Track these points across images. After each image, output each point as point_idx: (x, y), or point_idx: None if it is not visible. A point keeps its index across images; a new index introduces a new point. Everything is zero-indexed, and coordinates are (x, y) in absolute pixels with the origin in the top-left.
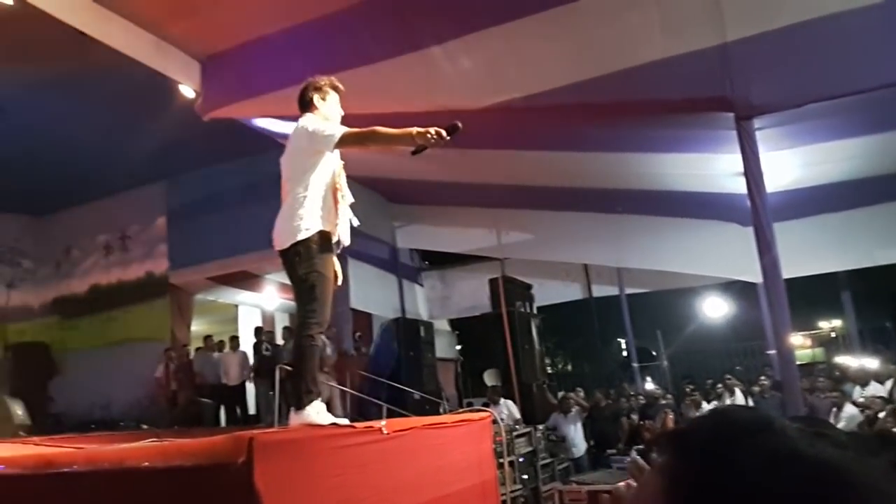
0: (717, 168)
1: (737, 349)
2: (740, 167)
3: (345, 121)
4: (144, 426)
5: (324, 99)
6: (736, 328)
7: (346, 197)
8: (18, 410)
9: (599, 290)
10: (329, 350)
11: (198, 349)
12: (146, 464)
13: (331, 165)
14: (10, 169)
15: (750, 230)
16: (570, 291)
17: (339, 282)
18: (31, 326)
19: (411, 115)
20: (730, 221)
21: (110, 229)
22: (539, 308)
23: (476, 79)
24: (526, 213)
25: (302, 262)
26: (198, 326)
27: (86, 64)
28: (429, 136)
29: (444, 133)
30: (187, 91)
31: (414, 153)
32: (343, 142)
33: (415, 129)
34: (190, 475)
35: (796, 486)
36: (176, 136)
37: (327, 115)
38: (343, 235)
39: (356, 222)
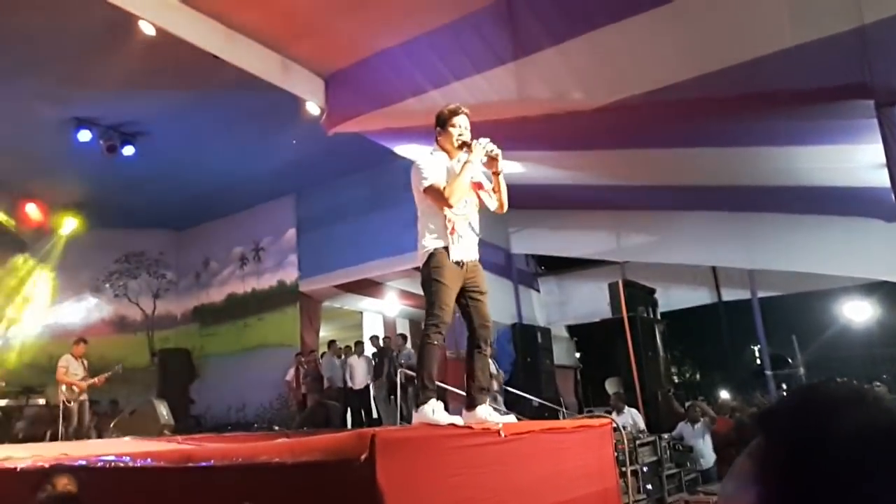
0: (856, 160)
1: (882, 355)
2: (882, 158)
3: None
4: (276, 427)
5: (444, 129)
6: (881, 333)
7: (461, 216)
8: (163, 411)
9: (729, 294)
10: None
11: (323, 354)
12: (276, 459)
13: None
14: (155, 187)
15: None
16: (696, 296)
17: (482, 292)
18: (174, 333)
19: (529, 119)
20: (872, 217)
21: (245, 241)
22: (663, 313)
23: (592, 78)
24: (647, 214)
25: (425, 276)
26: (325, 332)
27: (220, 86)
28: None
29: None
30: (313, 108)
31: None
32: (427, 193)
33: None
34: (316, 470)
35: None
36: (303, 151)
37: (448, 147)
38: (460, 253)
39: (472, 237)
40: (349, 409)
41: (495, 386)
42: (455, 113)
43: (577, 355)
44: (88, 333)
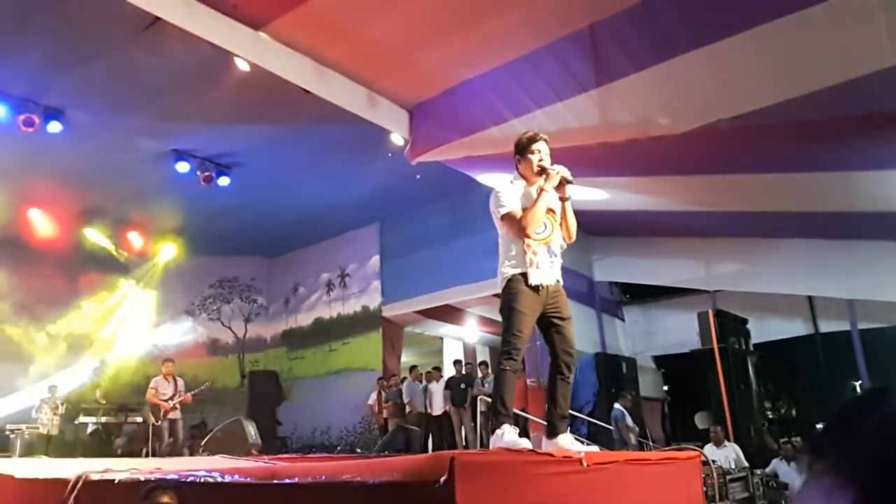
0: None
1: None
2: None
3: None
4: (358, 450)
5: (524, 156)
6: None
7: (539, 241)
8: (251, 431)
9: (827, 325)
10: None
11: (404, 379)
12: (358, 478)
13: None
14: (248, 216)
15: None
16: (791, 327)
17: (564, 318)
18: (263, 356)
19: (612, 146)
20: None
21: (332, 268)
22: (756, 345)
23: (677, 103)
24: (738, 242)
25: (503, 302)
26: (406, 357)
27: (309, 118)
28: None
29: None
30: (397, 138)
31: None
32: (504, 220)
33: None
34: (395, 490)
35: None
36: (387, 181)
37: (527, 175)
38: (539, 278)
39: (552, 262)
40: (430, 435)
41: (633, 439)
42: (533, 140)
43: (665, 387)
44: (183, 355)
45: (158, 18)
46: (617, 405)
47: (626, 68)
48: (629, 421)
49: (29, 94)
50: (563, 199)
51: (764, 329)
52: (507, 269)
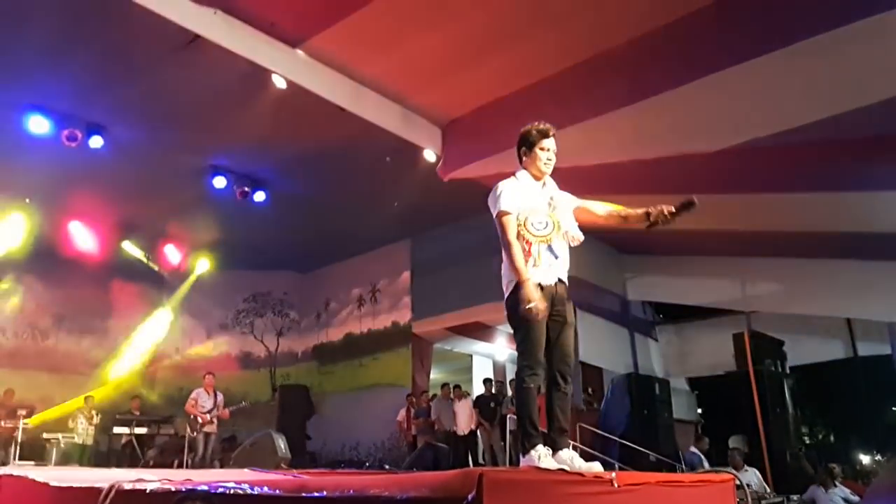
0: None
1: None
2: None
3: (575, 168)
4: (387, 466)
5: (530, 149)
6: None
7: (539, 238)
8: (281, 445)
9: (866, 349)
10: None
11: (434, 396)
12: (386, 493)
13: (514, 220)
14: (281, 231)
15: None
16: (829, 349)
17: (567, 322)
18: (294, 370)
19: (646, 163)
20: None
21: (363, 283)
22: (793, 368)
23: (713, 120)
24: (775, 262)
25: (510, 312)
26: (436, 374)
27: (343, 135)
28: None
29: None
30: (429, 155)
31: (649, 227)
32: (497, 218)
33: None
34: None
35: None
36: (419, 197)
37: (532, 170)
38: (539, 277)
39: (553, 262)
40: (456, 453)
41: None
42: (545, 135)
43: (699, 410)
44: (215, 368)
45: (198, 36)
46: (693, 448)
47: (662, 85)
48: (706, 465)
49: (72, 109)
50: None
51: (801, 352)
52: (512, 274)
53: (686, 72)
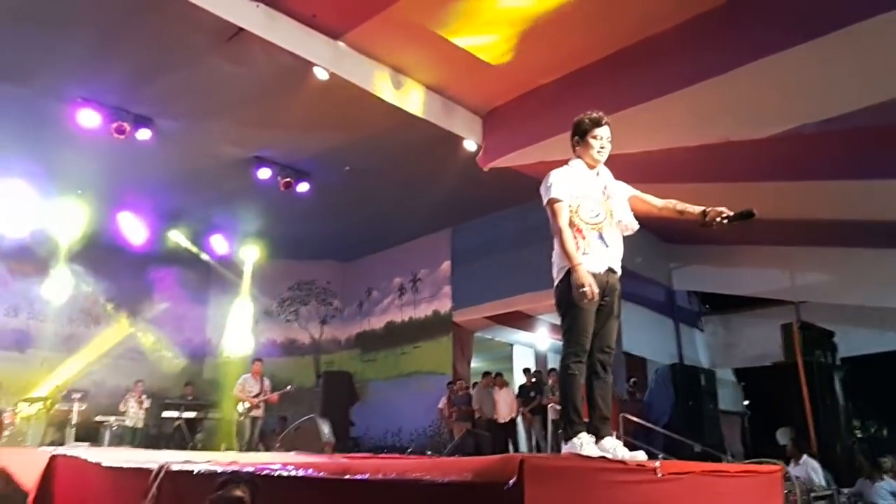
0: None
1: None
2: None
3: (621, 157)
4: (429, 452)
5: (584, 139)
6: None
7: (590, 226)
8: (325, 430)
9: None
10: None
11: (475, 384)
12: (427, 477)
13: (566, 207)
14: (324, 221)
15: None
16: (882, 340)
17: (614, 314)
18: (337, 357)
19: (690, 150)
20: None
21: (404, 272)
22: (844, 359)
23: (760, 107)
24: (825, 251)
25: (559, 299)
26: (476, 363)
27: (384, 125)
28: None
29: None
30: (470, 145)
31: (702, 226)
32: (547, 206)
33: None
34: (464, 491)
35: None
36: (459, 187)
37: (586, 158)
38: (587, 265)
39: (604, 251)
40: (497, 441)
41: None
42: (598, 123)
43: (745, 401)
44: (261, 355)
45: (241, 29)
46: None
47: (709, 71)
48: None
49: (120, 102)
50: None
51: (852, 343)
52: (563, 262)
53: (734, 57)
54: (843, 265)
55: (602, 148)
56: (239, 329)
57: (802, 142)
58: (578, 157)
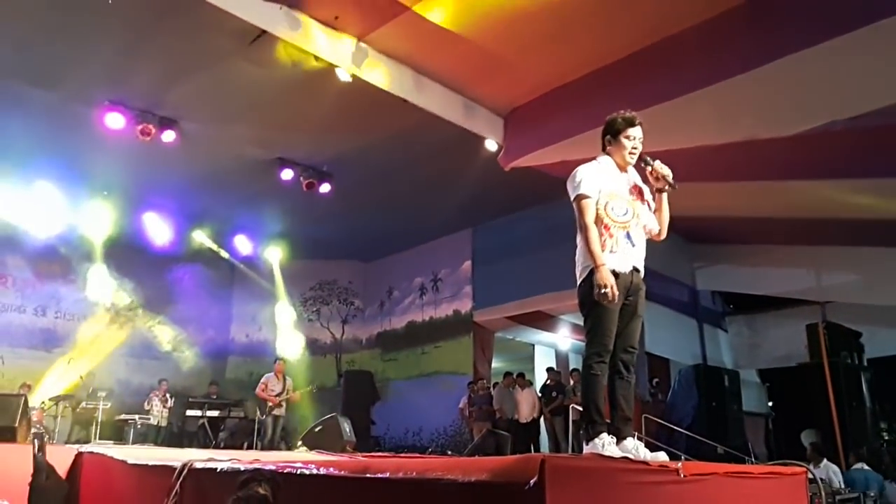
0: None
1: None
2: None
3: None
4: (449, 452)
5: (616, 139)
6: None
7: (618, 225)
8: (346, 428)
9: None
10: None
11: (495, 384)
12: (448, 476)
13: (594, 204)
14: (345, 221)
15: None
16: None
17: (637, 314)
18: (359, 357)
19: (715, 148)
20: None
21: (425, 272)
22: (871, 360)
23: (786, 105)
24: (852, 251)
25: (582, 298)
26: (497, 364)
27: (406, 126)
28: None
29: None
30: (491, 144)
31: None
32: (575, 203)
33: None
34: (484, 490)
35: None
36: (481, 187)
37: (616, 157)
38: (613, 264)
39: (631, 250)
40: (518, 441)
41: None
42: (631, 123)
43: (769, 403)
44: (284, 354)
45: (264, 31)
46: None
47: (734, 67)
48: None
49: (146, 105)
50: (659, 191)
51: (880, 344)
52: (588, 261)
53: (757, 55)
54: (871, 265)
55: (634, 148)
56: (285, 330)
57: (831, 139)
58: (609, 155)
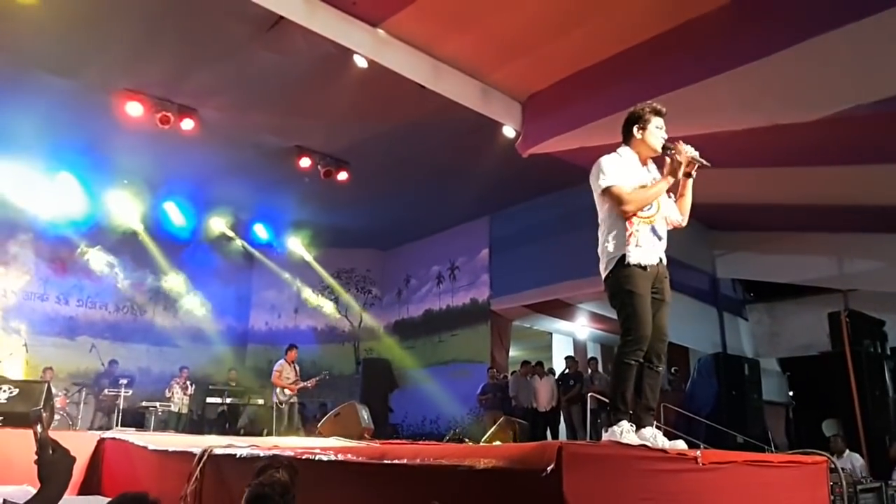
0: None
1: None
2: None
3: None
4: (467, 440)
5: (644, 128)
6: None
7: (644, 219)
8: (364, 415)
9: None
10: None
11: (513, 373)
12: (466, 462)
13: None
14: (363, 209)
15: None
16: None
17: (665, 301)
18: (377, 345)
19: (738, 134)
20: None
21: (442, 261)
22: (893, 349)
23: (808, 89)
24: (876, 238)
25: (613, 288)
26: (515, 352)
27: (423, 113)
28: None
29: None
30: (508, 131)
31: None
32: (605, 194)
33: (667, 178)
34: (501, 476)
35: None
36: (498, 174)
37: (641, 149)
38: (639, 257)
39: (655, 243)
40: (536, 429)
41: None
42: (658, 113)
43: (790, 392)
44: (302, 342)
45: (282, 18)
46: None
47: (756, 52)
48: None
49: (165, 93)
50: (687, 175)
51: None
52: (614, 250)
53: (779, 38)
54: (895, 252)
55: (662, 138)
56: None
57: (855, 124)
58: (631, 146)
